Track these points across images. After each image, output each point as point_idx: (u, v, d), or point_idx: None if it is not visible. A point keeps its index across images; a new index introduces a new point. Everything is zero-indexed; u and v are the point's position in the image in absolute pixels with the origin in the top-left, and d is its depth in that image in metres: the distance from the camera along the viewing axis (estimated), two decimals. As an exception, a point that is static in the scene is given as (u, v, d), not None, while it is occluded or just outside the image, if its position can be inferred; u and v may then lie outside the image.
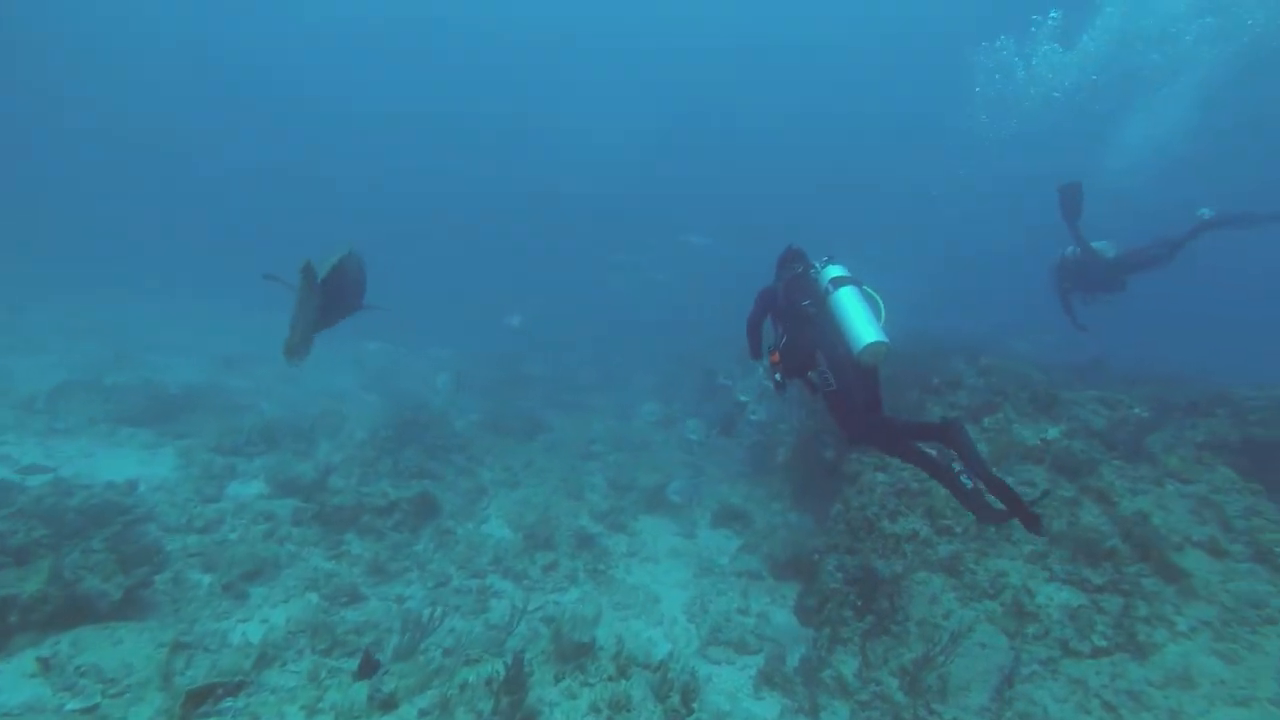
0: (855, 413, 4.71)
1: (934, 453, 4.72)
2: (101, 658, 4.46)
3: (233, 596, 6.01)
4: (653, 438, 12.63)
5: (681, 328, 19.08)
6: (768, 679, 5.63)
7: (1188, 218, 8.65)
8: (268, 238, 38.98)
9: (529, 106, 46.59)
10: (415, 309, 16.94)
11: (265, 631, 5.52)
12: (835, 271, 5.02)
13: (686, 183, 44.55)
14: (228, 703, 4.22)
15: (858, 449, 4.78)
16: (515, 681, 3.58)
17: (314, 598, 6.32)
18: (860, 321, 4.64)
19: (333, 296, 6.38)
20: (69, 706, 4.12)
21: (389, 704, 3.76)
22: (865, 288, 4.94)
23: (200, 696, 4.11)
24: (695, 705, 4.18)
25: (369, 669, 4.18)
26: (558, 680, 3.93)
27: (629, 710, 3.74)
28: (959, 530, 6.17)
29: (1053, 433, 7.23)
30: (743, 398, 9.73)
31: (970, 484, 4.40)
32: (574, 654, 4.10)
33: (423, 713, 3.68)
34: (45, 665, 4.37)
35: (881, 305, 4.86)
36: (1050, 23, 15.57)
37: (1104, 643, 4.99)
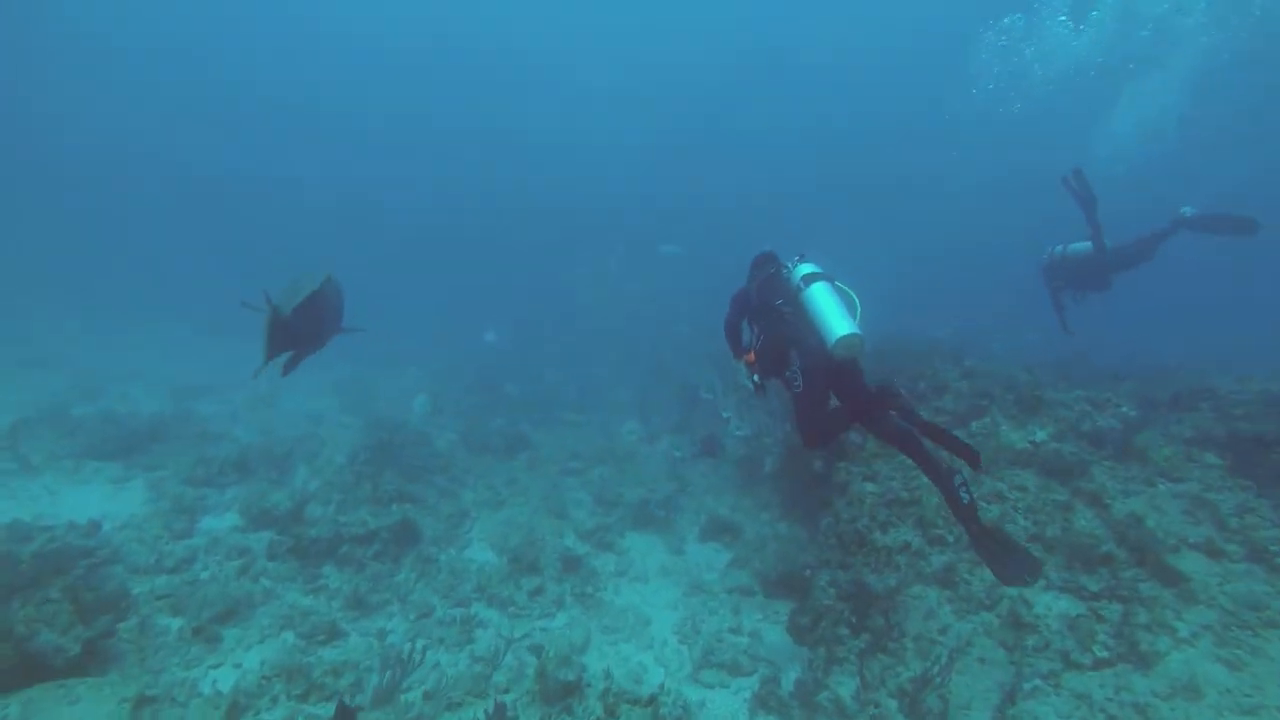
0: (815, 420, 4.69)
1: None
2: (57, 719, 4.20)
3: (204, 641, 5.75)
4: (637, 450, 12.44)
5: (657, 337, 18.93)
6: (763, 703, 5.45)
7: (1169, 214, 8.63)
8: (237, 254, 38.35)
9: (499, 119, 46.16)
10: (391, 328, 16.67)
11: (238, 678, 5.26)
12: (806, 269, 4.98)
13: (661, 193, 44.34)
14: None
15: (813, 451, 4.75)
16: (498, 731, 3.39)
17: (290, 637, 6.07)
18: (833, 316, 4.59)
19: (310, 325, 6.26)
20: (22, 776, 3.86)
21: (365, 759, 3.55)
22: (838, 284, 4.89)
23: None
24: (689, 741, 4.01)
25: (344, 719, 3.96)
26: (543, 725, 3.75)
27: (619, 753, 3.56)
28: (951, 540, 6.04)
29: (1041, 435, 7.14)
30: (725, 414, 9.55)
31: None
32: (560, 694, 3.91)
33: (401, 767, 3.47)
34: (-5, 732, 4.12)
35: (856, 300, 4.81)
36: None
37: (1105, 653, 4.86)
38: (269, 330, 5.55)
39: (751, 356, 5.12)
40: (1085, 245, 8.91)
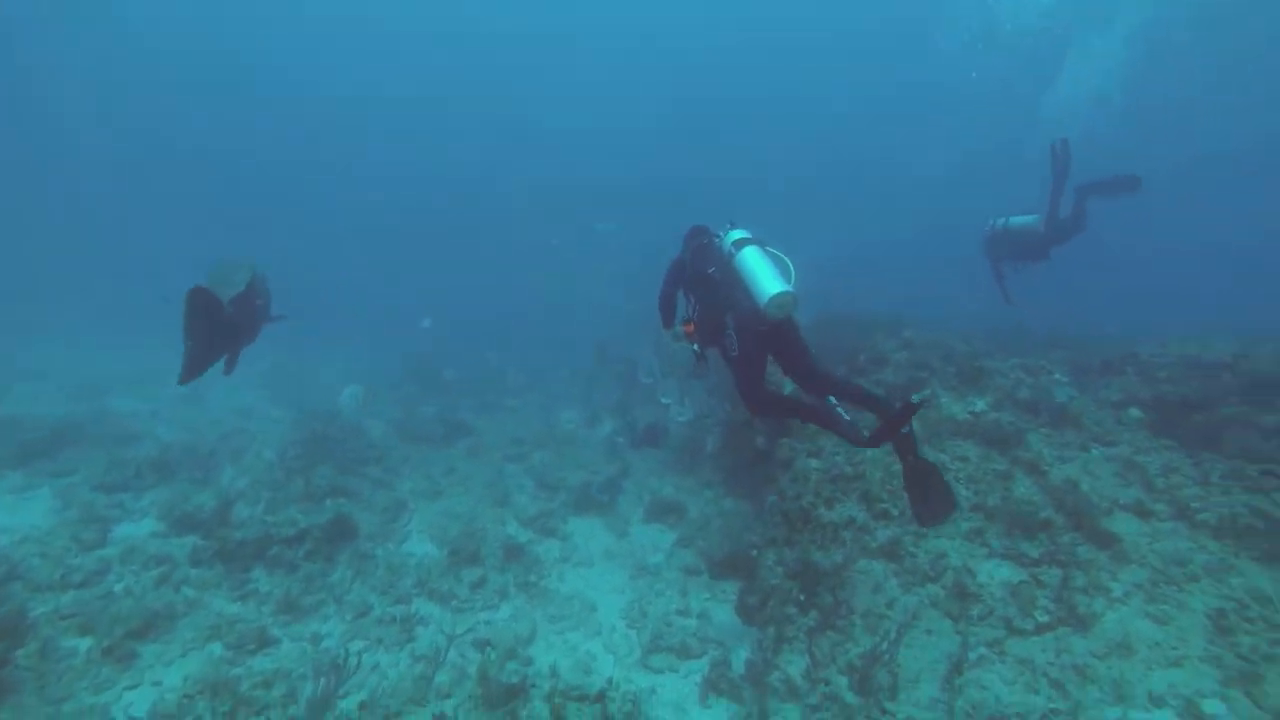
0: (753, 382, 4.74)
1: (811, 400, 4.81)
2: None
3: (115, 660, 5.33)
4: (578, 434, 12.24)
5: (596, 317, 18.75)
6: (714, 686, 5.38)
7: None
8: (157, 240, 36.21)
9: (436, 90, 44.55)
10: (321, 315, 16.00)
11: (155, 698, 4.91)
12: (737, 235, 5.03)
13: (601, 174, 43.70)
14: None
15: (760, 418, 4.83)
16: (436, 745, 3.19)
17: (217, 648, 5.71)
18: (764, 277, 4.63)
19: (242, 320, 5.99)
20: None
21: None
22: (769, 249, 4.92)
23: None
24: (639, 735, 3.89)
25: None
26: (486, 733, 3.56)
27: (567, 756, 3.41)
28: (896, 513, 6.06)
29: (980, 405, 7.24)
30: (665, 399, 9.42)
31: (848, 415, 4.60)
32: (503, 698, 3.73)
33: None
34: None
35: (790, 264, 4.84)
36: None
37: (1046, 618, 4.95)
38: (196, 328, 5.29)
39: (690, 327, 5.13)
40: (1027, 219, 9.08)
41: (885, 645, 4.72)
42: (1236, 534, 5.42)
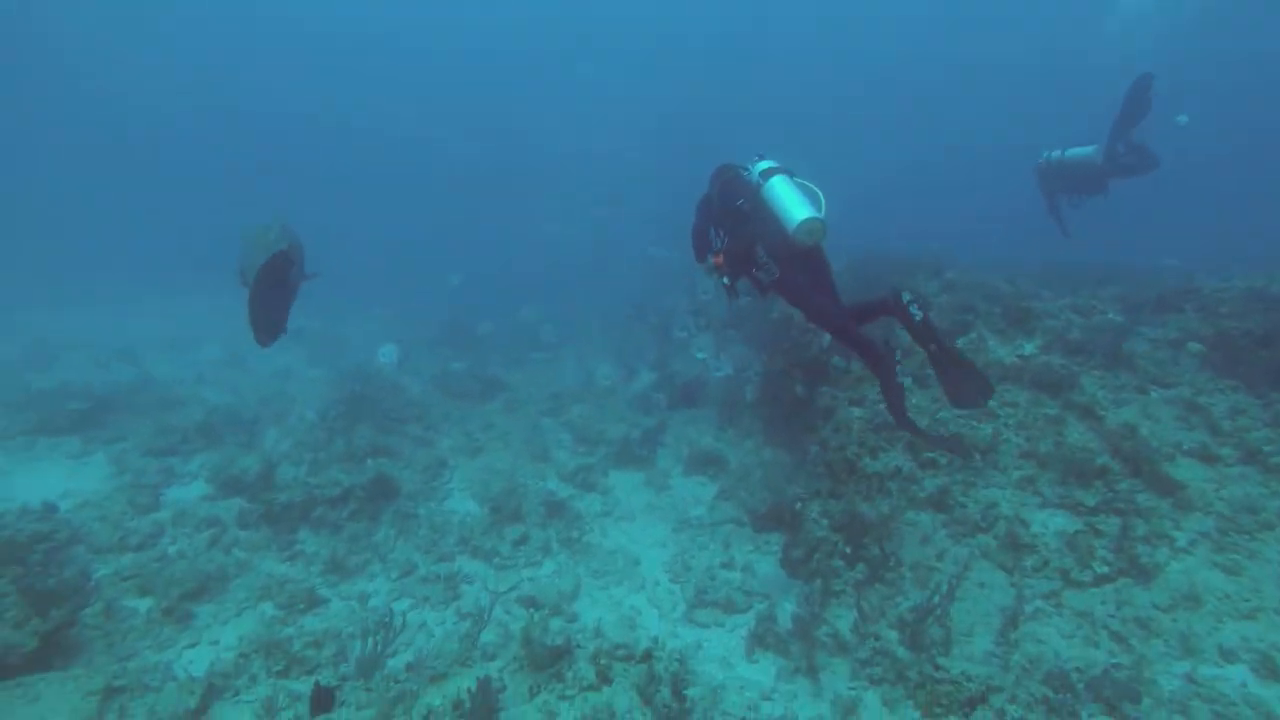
0: (806, 291, 4.60)
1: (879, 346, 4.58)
2: (17, 722, 3.95)
3: (175, 620, 5.48)
4: (615, 388, 12.16)
5: (628, 268, 18.52)
6: (760, 640, 5.33)
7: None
8: (199, 210, 36.47)
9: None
10: (352, 273, 16.00)
11: (213, 657, 5.04)
12: (765, 165, 4.91)
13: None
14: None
15: (831, 332, 4.66)
16: (483, 710, 3.17)
17: (268, 608, 5.84)
18: (792, 203, 4.53)
19: (283, 282, 6.14)
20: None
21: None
22: (798, 178, 4.79)
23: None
24: (687, 694, 3.85)
25: (322, 703, 3.74)
26: (532, 695, 3.54)
27: (616, 720, 3.38)
28: (943, 463, 5.89)
29: (1029, 348, 6.95)
30: (700, 354, 9.23)
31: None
32: (549, 660, 3.71)
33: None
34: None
35: (820, 194, 4.68)
36: None
37: (1105, 569, 4.77)
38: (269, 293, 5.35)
39: (719, 259, 5.07)
40: (1084, 150, 8.63)
41: (937, 598, 4.61)
42: (1313, 478, 5.15)
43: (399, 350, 11.47)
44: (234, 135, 44.49)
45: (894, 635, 4.72)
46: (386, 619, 5.25)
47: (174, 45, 41.28)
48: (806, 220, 4.41)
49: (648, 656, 3.88)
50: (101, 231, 29.48)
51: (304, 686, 4.53)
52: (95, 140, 42.31)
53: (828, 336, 8.05)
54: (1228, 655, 4.07)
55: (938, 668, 4.20)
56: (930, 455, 5.94)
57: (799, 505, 6.10)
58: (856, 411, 6.70)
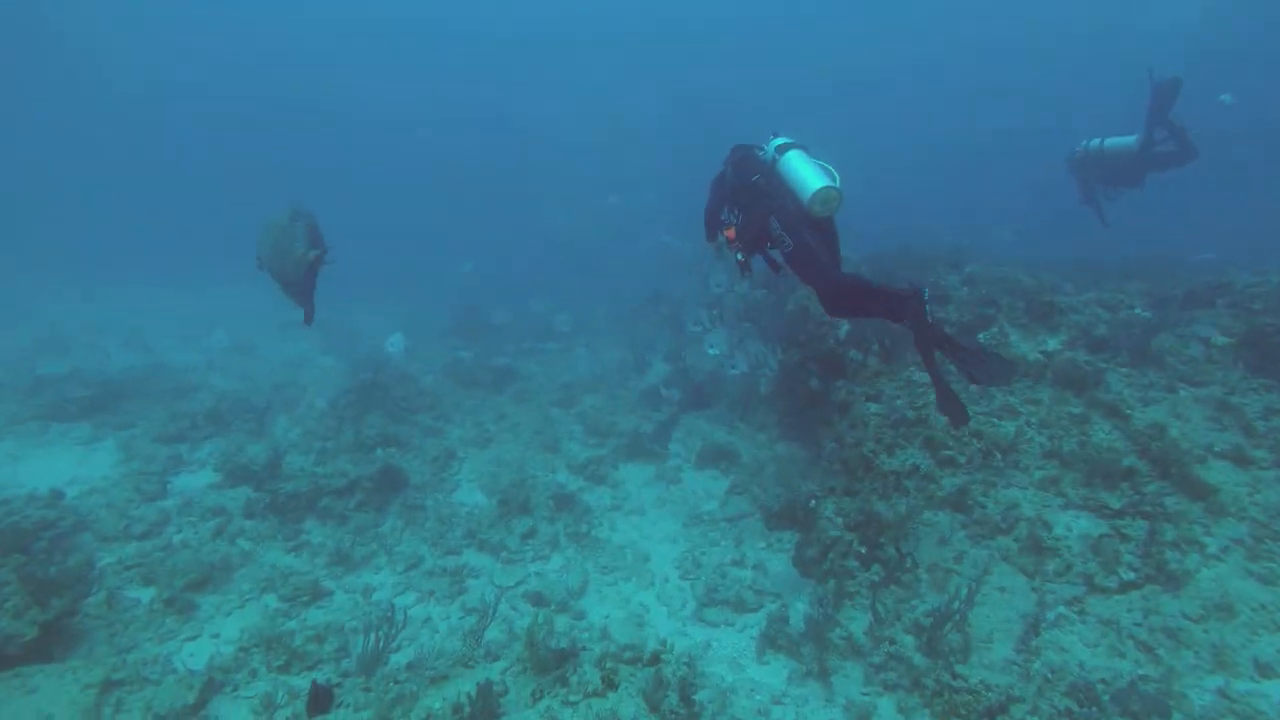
0: (822, 264, 4.43)
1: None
2: (13, 714, 3.88)
3: (177, 611, 5.41)
4: (627, 379, 12.02)
5: (645, 259, 18.32)
6: (771, 641, 5.19)
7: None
8: (200, 192, 36.61)
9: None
10: (366, 266, 15.94)
11: (213, 651, 4.96)
12: (780, 141, 4.81)
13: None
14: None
15: (839, 310, 4.43)
16: (483, 715, 3.06)
17: (271, 600, 5.77)
18: (808, 174, 4.44)
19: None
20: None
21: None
22: (813, 153, 4.70)
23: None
24: (695, 698, 3.72)
25: (319, 702, 3.64)
26: (535, 700, 3.42)
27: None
28: (963, 460, 5.71)
29: (1052, 344, 6.74)
30: (713, 350, 9.04)
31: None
32: (553, 663, 3.58)
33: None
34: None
35: (834, 170, 4.53)
36: None
37: (1132, 575, 4.59)
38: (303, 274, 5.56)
39: (731, 232, 4.99)
40: (1124, 140, 8.38)
41: (956, 603, 4.44)
42: (1352, 484, 4.93)
43: (406, 339, 11.36)
44: (247, 131, 44.57)
45: (910, 640, 4.56)
46: (389, 614, 5.16)
47: (186, 41, 41.35)
48: (822, 189, 4.32)
49: (655, 659, 3.75)
50: (128, 224, 29.70)
51: (304, 682, 4.45)
52: (124, 139, 42.64)
53: (845, 327, 7.86)
54: (1264, 670, 3.88)
55: (956, 675, 4.05)
56: (949, 453, 5.76)
57: (813, 503, 5.94)
58: (873, 407, 6.53)
